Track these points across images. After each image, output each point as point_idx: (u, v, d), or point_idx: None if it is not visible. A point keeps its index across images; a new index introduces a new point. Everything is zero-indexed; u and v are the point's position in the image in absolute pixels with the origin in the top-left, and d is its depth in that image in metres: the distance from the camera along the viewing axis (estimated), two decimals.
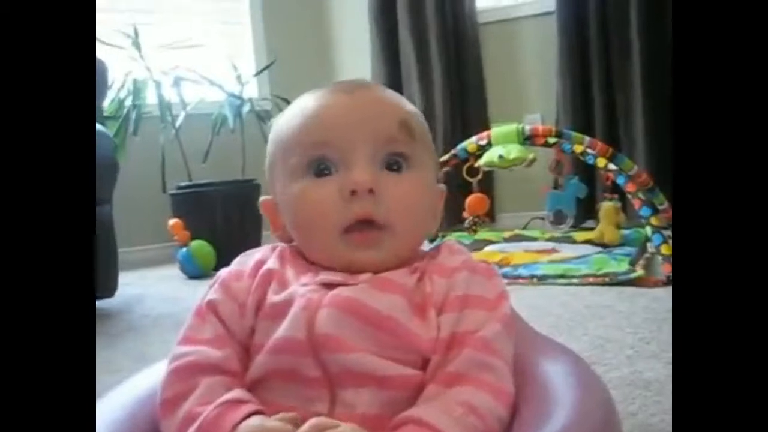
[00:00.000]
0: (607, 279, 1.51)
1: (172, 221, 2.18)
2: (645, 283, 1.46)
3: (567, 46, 2.40)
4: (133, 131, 2.25)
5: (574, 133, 1.87)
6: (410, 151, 0.52)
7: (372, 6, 2.72)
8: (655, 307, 1.28)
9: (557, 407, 0.44)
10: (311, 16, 2.98)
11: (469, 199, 2.08)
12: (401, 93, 2.27)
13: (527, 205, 2.44)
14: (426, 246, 0.59)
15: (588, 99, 2.39)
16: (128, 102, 2.30)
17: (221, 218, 2.31)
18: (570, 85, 2.40)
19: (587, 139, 1.83)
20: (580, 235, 2.03)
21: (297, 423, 0.43)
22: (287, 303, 0.49)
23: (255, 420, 0.44)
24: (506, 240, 2.16)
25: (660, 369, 0.92)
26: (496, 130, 1.94)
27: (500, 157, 1.88)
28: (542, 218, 2.22)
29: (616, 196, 1.95)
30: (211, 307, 0.52)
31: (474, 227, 2.11)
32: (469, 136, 2.19)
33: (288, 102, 2.48)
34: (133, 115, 2.26)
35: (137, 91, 2.29)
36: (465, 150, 1.99)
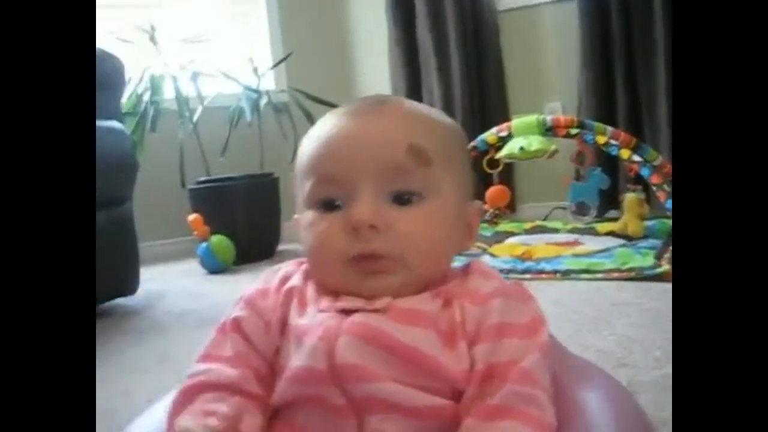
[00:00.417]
0: (632, 274, 1.49)
1: (191, 216, 2.18)
2: (671, 278, 1.43)
3: (588, 33, 2.34)
4: (151, 127, 2.25)
5: (596, 124, 1.83)
6: (422, 181, 0.49)
7: None
8: None
9: None
10: (328, 8, 2.95)
11: (490, 191, 2.06)
12: (419, 83, 2.26)
13: (548, 196, 2.40)
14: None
15: (610, 86, 2.34)
16: (146, 97, 2.31)
17: (240, 213, 2.31)
18: (592, 73, 2.35)
19: (610, 129, 1.80)
20: (602, 227, 2.00)
21: None
22: (306, 328, 0.48)
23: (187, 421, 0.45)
24: (527, 232, 2.14)
25: None
26: (516, 121, 1.92)
27: (521, 149, 1.85)
28: (564, 208, 2.19)
29: (639, 187, 1.91)
30: (235, 324, 0.51)
31: (495, 219, 2.09)
32: (489, 125, 2.16)
33: (305, 94, 2.47)
34: (151, 112, 2.26)
35: (155, 87, 2.29)
36: (485, 142, 1.97)
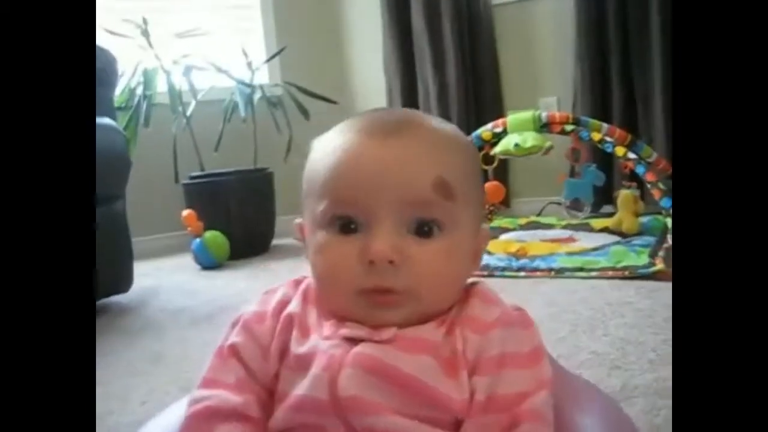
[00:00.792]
0: (626, 273, 1.49)
1: (185, 212, 2.17)
2: (665, 277, 1.43)
3: (584, 27, 2.33)
4: (144, 122, 2.24)
5: (591, 120, 1.83)
6: (444, 214, 0.47)
7: None
8: None
9: None
10: (322, 1, 2.93)
11: (485, 188, 2.05)
12: (414, 78, 2.26)
13: (543, 190, 2.40)
14: None
15: (606, 81, 2.34)
16: (139, 91, 2.29)
17: (234, 208, 2.30)
18: (587, 68, 2.34)
19: (605, 126, 1.79)
20: (597, 223, 2.00)
21: None
22: (309, 357, 0.47)
23: None
24: (522, 227, 2.14)
25: None
26: (511, 117, 1.91)
27: (516, 145, 1.85)
28: (558, 203, 2.19)
29: (634, 183, 1.91)
30: (233, 350, 0.50)
31: (490, 215, 2.09)
32: (484, 119, 2.16)
33: (299, 88, 2.46)
34: (144, 106, 2.24)
35: (148, 81, 2.27)
36: (480, 138, 1.96)
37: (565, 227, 2.05)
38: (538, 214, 2.33)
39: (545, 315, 1.27)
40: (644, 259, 1.54)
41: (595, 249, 1.72)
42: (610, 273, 1.51)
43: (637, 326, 1.15)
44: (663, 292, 1.35)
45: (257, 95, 2.45)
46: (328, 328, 0.49)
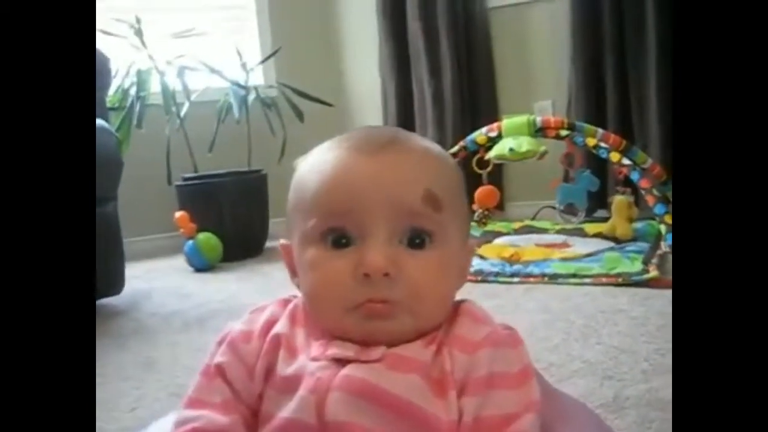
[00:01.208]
0: (620, 279, 1.49)
1: (178, 214, 2.16)
2: (658, 285, 1.43)
3: (579, 31, 2.33)
4: (137, 123, 2.22)
5: (586, 126, 1.83)
6: (435, 226, 0.48)
7: None
8: (669, 312, 1.26)
9: None
10: (317, 3, 2.92)
11: (479, 192, 2.05)
12: (409, 80, 2.26)
13: (537, 194, 2.40)
14: None
15: (601, 85, 2.33)
16: (132, 91, 2.27)
17: (228, 210, 2.29)
18: (582, 72, 2.34)
19: (600, 131, 1.80)
20: (591, 228, 2.00)
21: None
22: (296, 378, 0.47)
23: None
24: (516, 232, 2.14)
25: None
26: (506, 122, 1.91)
27: (511, 150, 1.85)
28: (553, 207, 2.19)
29: (628, 189, 1.91)
30: (219, 370, 0.50)
31: (484, 220, 2.09)
32: (479, 123, 2.15)
33: (294, 90, 2.45)
34: (137, 107, 2.22)
35: (141, 81, 2.26)
36: (475, 142, 1.96)
37: (559, 232, 2.05)
38: (533, 219, 2.33)
39: (538, 322, 1.26)
40: (638, 266, 1.54)
41: (588, 255, 1.72)
42: (604, 280, 1.51)
43: (630, 335, 1.15)
44: (656, 299, 1.35)
45: (251, 96, 2.43)
46: (316, 348, 0.48)
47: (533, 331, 1.20)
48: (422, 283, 0.47)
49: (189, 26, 2.38)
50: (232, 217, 2.29)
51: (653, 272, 1.48)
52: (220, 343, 0.52)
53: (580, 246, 1.84)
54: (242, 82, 2.43)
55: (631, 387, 0.92)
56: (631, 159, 1.71)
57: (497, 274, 1.66)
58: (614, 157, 1.69)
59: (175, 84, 2.31)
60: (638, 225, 1.92)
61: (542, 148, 1.86)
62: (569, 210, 2.12)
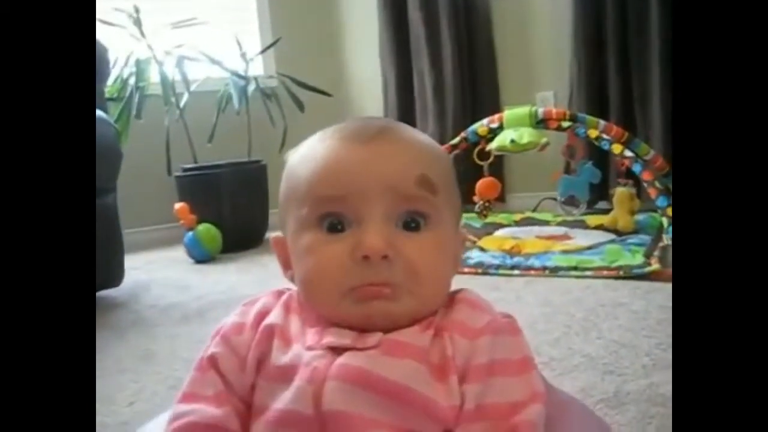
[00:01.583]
0: (621, 272, 1.48)
1: (177, 205, 2.15)
2: (660, 278, 1.42)
3: (581, 21, 2.31)
4: (137, 113, 2.21)
5: (588, 117, 1.81)
6: (430, 209, 0.48)
7: None
8: (670, 305, 1.25)
9: None
10: None
11: (480, 183, 2.03)
12: (410, 70, 2.24)
13: (539, 186, 2.39)
14: None
15: (603, 76, 2.32)
16: (131, 82, 2.26)
17: (228, 201, 2.29)
18: (584, 62, 2.32)
19: (602, 123, 1.78)
20: (592, 220, 1.99)
21: None
22: (291, 368, 0.46)
23: None
24: (517, 223, 2.13)
25: None
26: (508, 113, 1.89)
27: (512, 141, 1.83)
28: (554, 199, 2.17)
29: (630, 181, 1.90)
30: (212, 361, 0.50)
31: (485, 211, 2.08)
32: (480, 113, 2.14)
33: (294, 80, 2.43)
34: (136, 97, 2.21)
35: (140, 71, 2.24)
36: (476, 133, 1.94)
37: (560, 224, 2.04)
38: (534, 210, 2.32)
39: (539, 315, 1.26)
40: (639, 259, 1.53)
41: (589, 247, 1.71)
42: (605, 272, 1.50)
43: (631, 329, 1.14)
44: (657, 293, 1.34)
45: (251, 87, 2.42)
46: (311, 336, 0.48)
47: (534, 325, 1.19)
48: (420, 265, 0.47)
49: (188, 16, 2.36)
50: (232, 208, 2.28)
51: (655, 265, 1.48)
52: (213, 337, 0.51)
53: (581, 238, 1.83)
54: (242, 72, 2.41)
55: (631, 382, 0.92)
56: (633, 151, 1.69)
57: (498, 267, 1.65)
58: (616, 148, 1.68)
59: (174, 74, 2.29)
60: (640, 217, 1.91)
61: (544, 140, 1.84)
62: (570, 202, 2.11)
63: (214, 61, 2.34)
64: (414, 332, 0.47)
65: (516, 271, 1.62)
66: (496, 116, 1.91)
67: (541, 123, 1.84)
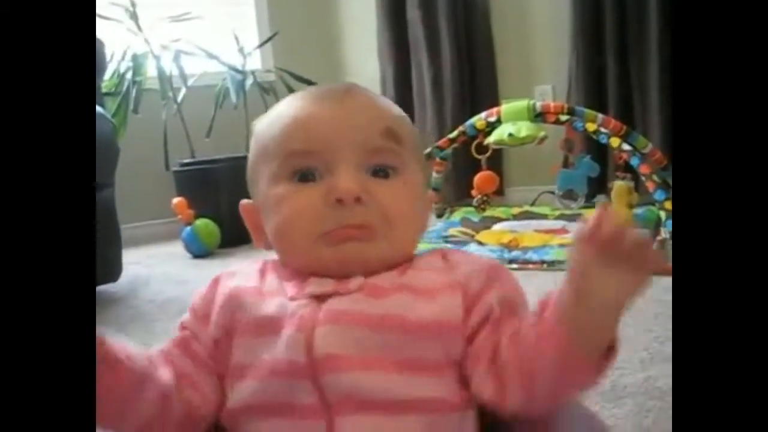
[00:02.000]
0: None
1: (175, 200, 2.15)
2: (657, 271, 1.42)
3: (580, 14, 2.30)
4: (134, 108, 2.20)
5: (586, 111, 1.81)
6: (397, 160, 0.50)
7: None
8: (667, 299, 1.24)
9: None
10: None
11: (478, 177, 2.04)
12: (408, 65, 2.25)
13: (537, 179, 2.39)
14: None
15: (601, 69, 2.31)
16: (128, 76, 2.25)
17: (225, 195, 2.28)
18: (583, 56, 2.32)
19: (600, 116, 1.78)
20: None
21: None
22: (277, 320, 0.46)
23: None
24: (515, 217, 2.13)
25: None
26: (506, 107, 1.89)
27: (510, 135, 1.83)
28: (552, 192, 2.17)
29: (628, 175, 1.89)
30: (183, 341, 0.51)
31: (483, 205, 2.08)
32: (479, 108, 2.13)
33: (291, 74, 2.43)
34: (133, 92, 2.21)
35: (137, 66, 2.24)
36: (474, 127, 1.94)
37: (558, 218, 2.04)
38: (532, 204, 2.32)
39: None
40: None
41: None
42: None
43: (628, 323, 1.13)
44: (655, 286, 1.33)
45: (249, 81, 2.41)
46: (291, 289, 0.48)
47: None
48: (393, 208, 0.48)
49: (185, 10, 2.35)
50: (230, 203, 2.24)
51: None
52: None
53: None
54: (240, 67, 2.41)
55: (629, 375, 0.92)
56: (631, 144, 1.69)
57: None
58: (614, 142, 1.68)
59: (171, 69, 2.29)
60: (638, 211, 1.91)
61: (542, 133, 1.84)
62: (568, 195, 2.10)
63: (211, 56, 2.33)
64: (393, 275, 0.48)
65: (514, 265, 1.62)
66: (494, 110, 1.91)
67: (539, 116, 1.84)
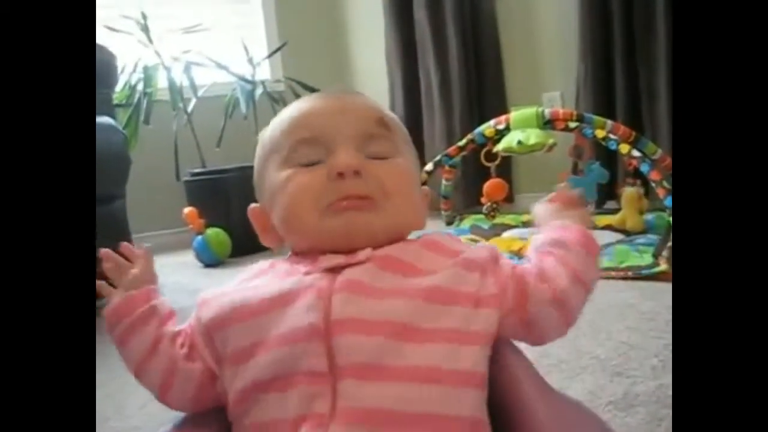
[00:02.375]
0: (629, 273, 1.48)
1: (186, 209, 2.17)
2: (668, 278, 1.42)
3: (588, 20, 2.30)
4: (145, 119, 2.23)
5: (595, 117, 1.81)
6: (391, 146, 0.55)
7: None
8: None
9: None
10: None
11: (487, 185, 2.04)
12: (416, 73, 2.26)
13: (546, 187, 2.37)
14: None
15: (610, 76, 2.30)
16: (139, 88, 2.28)
17: (236, 205, 2.29)
18: (591, 62, 2.31)
19: (609, 123, 1.77)
20: (600, 220, 1.99)
21: None
22: (294, 293, 0.48)
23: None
24: (525, 224, 2.12)
25: None
26: (515, 114, 1.89)
27: (519, 142, 1.83)
28: None
29: (638, 181, 1.89)
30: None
31: (492, 213, 2.08)
32: (487, 113, 2.14)
33: (300, 84, 2.44)
34: (144, 104, 2.23)
35: (148, 78, 2.26)
36: (483, 135, 1.94)
37: None
38: None
39: None
40: (647, 259, 1.53)
41: None
42: (613, 273, 1.50)
43: (640, 330, 1.14)
44: (666, 293, 1.33)
45: (259, 91, 2.43)
46: (304, 267, 0.51)
47: None
48: (389, 182, 0.53)
49: (195, 22, 2.38)
50: (241, 212, 2.26)
51: (663, 266, 1.47)
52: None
53: None
54: (249, 77, 2.43)
55: (641, 384, 0.91)
56: (640, 150, 1.69)
57: None
58: (624, 148, 1.67)
59: (182, 80, 2.31)
60: (648, 217, 1.90)
61: (551, 140, 1.84)
62: None
63: (221, 66, 2.36)
64: (400, 246, 0.52)
65: None
66: (503, 117, 1.91)
67: (548, 124, 1.84)
